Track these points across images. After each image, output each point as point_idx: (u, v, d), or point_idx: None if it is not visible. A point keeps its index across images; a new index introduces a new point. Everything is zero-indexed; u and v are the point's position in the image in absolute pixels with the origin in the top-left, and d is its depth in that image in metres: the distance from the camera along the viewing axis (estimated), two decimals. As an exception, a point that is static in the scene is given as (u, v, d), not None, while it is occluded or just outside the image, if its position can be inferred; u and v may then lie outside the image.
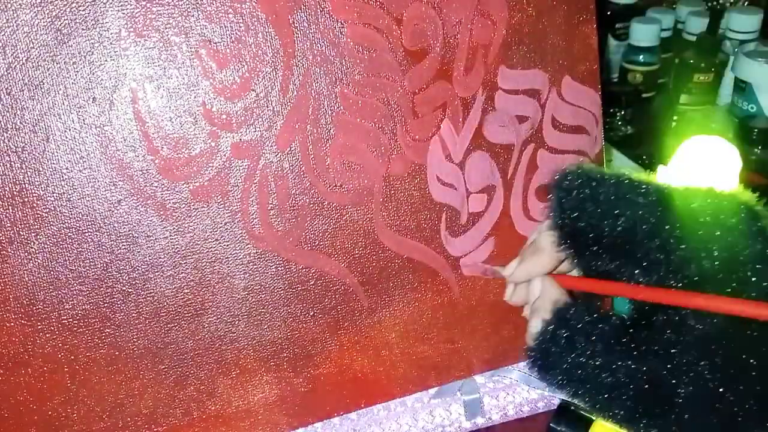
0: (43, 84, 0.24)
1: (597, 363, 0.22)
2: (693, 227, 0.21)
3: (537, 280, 0.26)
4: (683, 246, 0.21)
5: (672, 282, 0.21)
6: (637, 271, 0.22)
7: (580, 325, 0.23)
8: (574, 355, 0.23)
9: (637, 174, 0.23)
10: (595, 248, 0.23)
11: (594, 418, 0.31)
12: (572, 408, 0.32)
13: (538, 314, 0.25)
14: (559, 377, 0.23)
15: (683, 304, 0.21)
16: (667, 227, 0.21)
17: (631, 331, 0.22)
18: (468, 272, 0.32)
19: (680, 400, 0.21)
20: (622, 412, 0.22)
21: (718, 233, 0.21)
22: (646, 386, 0.21)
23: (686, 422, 0.21)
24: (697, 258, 0.21)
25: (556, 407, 0.32)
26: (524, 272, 0.27)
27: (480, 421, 0.34)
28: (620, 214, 0.22)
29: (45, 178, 0.24)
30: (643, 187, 0.22)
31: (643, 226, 0.22)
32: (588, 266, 0.24)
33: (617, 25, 0.64)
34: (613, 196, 0.23)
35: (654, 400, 0.21)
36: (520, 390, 0.34)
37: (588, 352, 0.23)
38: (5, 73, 0.23)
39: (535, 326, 0.25)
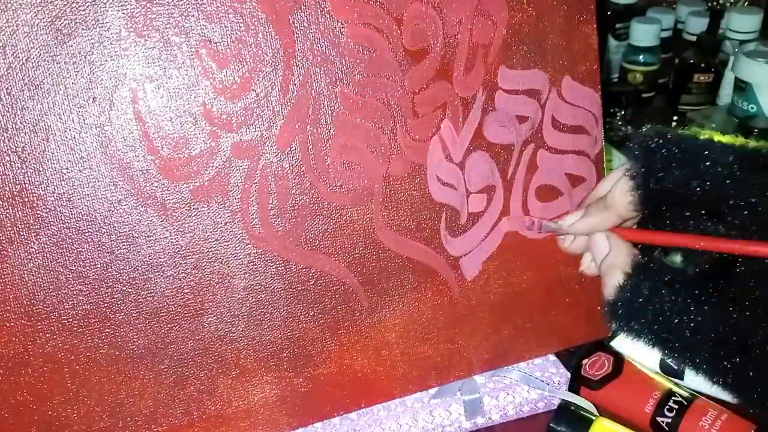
0: (43, 84, 0.24)
1: (679, 313, 0.23)
2: None
3: (602, 236, 0.26)
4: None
5: (755, 236, 0.22)
6: (722, 228, 0.22)
7: (661, 278, 0.23)
8: (657, 305, 0.23)
9: (717, 134, 0.24)
10: (679, 208, 0.23)
11: (594, 418, 0.31)
12: (572, 408, 0.32)
13: (616, 269, 0.25)
14: (642, 328, 0.24)
15: (762, 254, 0.21)
16: (753, 184, 0.22)
17: (709, 282, 0.23)
18: (511, 227, 0.31)
19: (758, 348, 0.21)
20: (702, 359, 0.23)
21: None
22: (726, 334, 0.22)
23: (764, 368, 0.21)
24: None
25: (556, 407, 0.33)
26: (587, 226, 0.27)
27: (480, 421, 0.34)
28: (706, 174, 0.23)
29: (45, 178, 0.24)
30: (727, 147, 0.23)
31: (730, 186, 0.22)
32: (661, 225, 0.24)
33: (617, 25, 0.64)
34: (699, 156, 0.23)
35: (734, 346, 0.22)
36: (520, 390, 0.34)
37: (670, 303, 0.23)
38: (5, 73, 0.23)
39: (615, 280, 0.25)
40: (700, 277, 0.24)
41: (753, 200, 0.22)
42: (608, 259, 0.26)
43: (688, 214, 0.24)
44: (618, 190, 0.25)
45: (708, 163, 0.23)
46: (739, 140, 0.24)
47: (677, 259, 0.26)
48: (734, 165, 0.22)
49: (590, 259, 0.29)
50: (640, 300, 0.24)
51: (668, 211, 0.24)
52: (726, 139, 0.24)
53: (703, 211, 0.23)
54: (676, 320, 0.23)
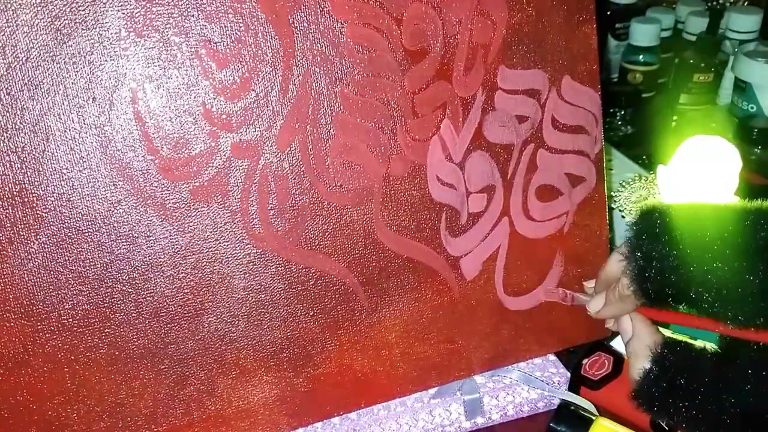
0: (43, 84, 0.24)
1: (697, 400, 0.25)
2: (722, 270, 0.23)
3: (626, 320, 0.29)
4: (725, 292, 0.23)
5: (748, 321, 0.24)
6: (730, 315, 0.24)
7: (677, 370, 0.26)
8: (675, 396, 0.26)
9: (703, 212, 0.25)
10: (675, 303, 0.25)
11: (594, 418, 0.31)
12: (572, 408, 0.32)
13: (637, 359, 0.28)
14: (664, 414, 0.26)
15: (760, 339, 0.24)
16: (708, 275, 0.24)
17: (722, 366, 0.25)
18: (546, 297, 0.33)
19: None
20: None
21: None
22: (746, 418, 0.24)
23: None
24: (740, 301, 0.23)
25: (556, 407, 0.32)
26: (611, 314, 0.29)
27: (480, 421, 0.34)
28: (684, 277, 0.24)
29: (45, 178, 0.24)
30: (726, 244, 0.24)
31: (699, 284, 0.24)
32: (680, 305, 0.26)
33: (617, 25, 0.64)
34: (678, 255, 0.24)
35: (752, 427, 0.24)
36: (520, 390, 0.34)
37: (689, 393, 0.25)
38: (5, 73, 0.23)
39: (636, 372, 0.27)
40: (714, 360, 0.26)
41: (751, 296, 0.23)
42: (630, 345, 0.28)
43: (696, 309, 0.26)
44: (622, 285, 0.27)
45: (704, 268, 0.24)
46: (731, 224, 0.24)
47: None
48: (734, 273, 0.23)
49: (611, 325, 0.31)
50: (660, 390, 0.26)
51: (668, 305, 0.26)
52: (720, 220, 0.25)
53: (708, 305, 0.25)
54: (695, 405, 0.25)
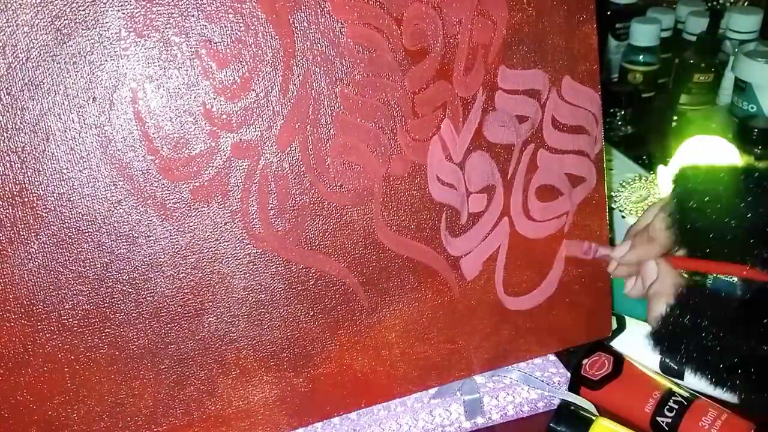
0: (43, 84, 0.24)
1: (717, 342, 0.24)
2: None
3: (652, 263, 0.28)
4: None
5: None
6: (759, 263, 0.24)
7: (702, 309, 0.25)
8: (697, 337, 0.25)
9: (753, 167, 0.25)
10: (718, 244, 0.25)
11: (594, 418, 0.31)
12: (572, 408, 0.32)
13: (660, 298, 0.27)
14: (683, 356, 0.26)
15: None
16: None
17: (749, 312, 0.24)
18: (568, 252, 0.32)
19: None
20: (740, 384, 0.24)
21: None
22: (759, 363, 0.23)
23: None
24: None
25: (556, 407, 0.32)
26: (635, 257, 0.29)
27: (480, 421, 0.34)
28: (733, 216, 0.24)
29: (45, 178, 0.24)
30: (754, 184, 0.24)
31: (750, 224, 0.24)
32: (699, 254, 0.26)
33: (617, 25, 0.64)
34: (728, 197, 0.25)
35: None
36: (520, 390, 0.34)
37: (710, 334, 0.25)
38: (5, 73, 0.23)
39: (658, 309, 0.27)
40: (741, 306, 0.25)
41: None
42: (654, 287, 0.28)
43: (726, 251, 0.25)
44: (657, 226, 0.27)
45: (742, 205, 0.24)
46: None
47: (720, 280, 0.28)
48: (755, 205, 0.24)
49: (633, 284, 0.31)
50: (681, 331, 0.26)
51: (708, 247, 0.26)
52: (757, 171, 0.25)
53: (734, 249, 0.25)
54: (716, 351, 0.25)
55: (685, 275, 0.29)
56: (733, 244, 0.25)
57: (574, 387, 0.35)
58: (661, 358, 0.35)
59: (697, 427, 0.31)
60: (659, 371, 0.36)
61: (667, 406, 0.32)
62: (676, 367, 0.32)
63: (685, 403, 0.32)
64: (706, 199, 0.25)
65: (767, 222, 0.23)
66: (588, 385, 0.35)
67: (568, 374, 0.35)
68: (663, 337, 0.27)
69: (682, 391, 0.33)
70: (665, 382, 0.34)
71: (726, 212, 0.25)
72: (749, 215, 0.24)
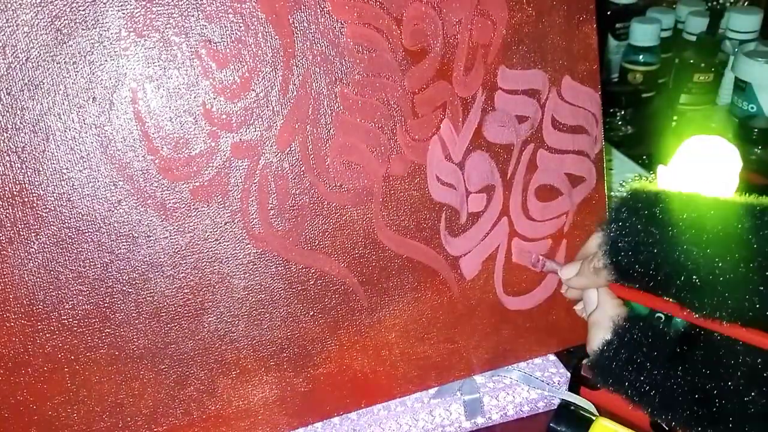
0: (43, 84, 0.24)
1: (653, 377, 0.25)
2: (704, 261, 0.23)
3: (592, 291, 0.29)
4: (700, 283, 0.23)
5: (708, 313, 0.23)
6: (696, 303, 0.24)
7: (638, 344, 0.25)
8: (632, 370, 0.25)
9: (685, 201, 0.25)
10: (645, 282, 0.25)
11: (594, 418, 0.31)
12: (572, 408, 0.32)
13: (598, 329, 0.27)
14: (618, 387, 0.26)
15: (725, 333, 0.23)
16: (687, 264, 0.23)
17: (685, 348, 0.25)
18: (517, 259, 0.32)
19: (729, 417, 0.23)
20: (675, 419, 0.24)
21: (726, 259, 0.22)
22: (698, 401, 0.23)
23: None
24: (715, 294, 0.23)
25: (556, 407, 0.32)
26: (581, 284, 0.29)
27: (480, 421, 0.34)
28: (658, 257, 0.24)
29: (45, 178, 0.24)
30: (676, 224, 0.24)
31: (671, 266, 0.24)
32: (648, 288, 0.26)
33: (617, 25, 0.65)
34: (657, 238, 0.24)
35: (705, 413, 0.23)
36: (520, 390, 0.34)
37: (646, 369, 0.25)
38: (5, 73, 0.23)
39: (596, 342, 0.27)
40: (676, 341, 0.25)
41: (720, 288, 0.23)
42: (594, 315, 0.28)
43: (656, 290, 0.25)
44: (598, 260, 0.27)
45: (676, 251, 0.24)
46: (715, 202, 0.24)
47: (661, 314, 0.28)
48: (702, 247, 0.23)
49: (579, 308, 0.32)
50: (618, 363, 0.26)
51: (638, 284, 0.26)
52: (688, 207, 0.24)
53: (665, 289, 0.25)
54: (651, 384, 0.25)
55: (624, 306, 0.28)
56: (666, 286, 0.24)
57: (574, 387, 0.35)
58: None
59: (697, 427, 0.31)
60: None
61: (667, 406, 0.32)
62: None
63: (685, 403, 0.32)
64: (641, 243, 0.25)
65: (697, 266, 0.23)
66: (588, 385, 0.34)
67: (568, 374, 0.35)
68: (600, 368, 0.27)
69: (681, 391, 0.33)
70: (665, 382, 0.33)
71: (653, 254, 0.24)
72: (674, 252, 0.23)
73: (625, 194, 0.26)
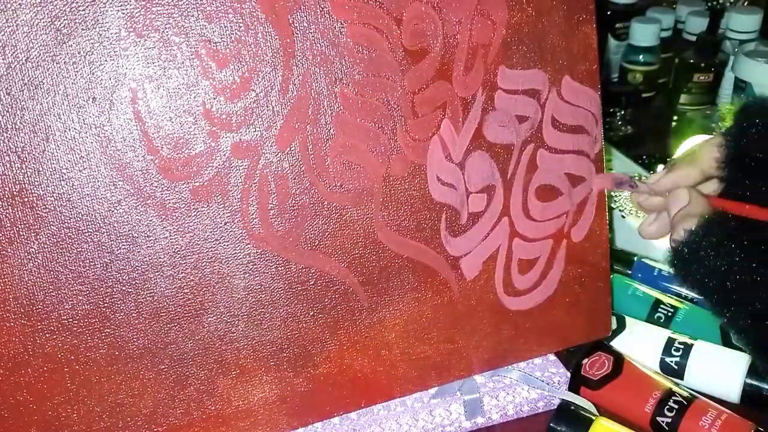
0: (43, 84, 0.24)
1: (739, 269, 0.23)
2: None
3: (684, 190, 0.27)
4: None
5: None
6: None
7: (734, 233, 0.24)
8: (722, 258, 0.23)
9: None
10: (763, 180, 0.24)
11: (594, 418, 0.31)
12: (572, 408, 0.32)
13: (687, 220, 0.25)
14: (700, 275, 0.24)
15: None
16: None
17: None
18: (599, 185, 0.31)
19: None
20: (747, 318, 0.23)
21: None
22: None
23: None
24: None
25: (556, 407, 0.32)
26: (671, 181, 0.27)
27: (480, 421, 0.34)
28: None
29: (45, 178, 0.24)
30: None
31: None
32: (738, 190, 0.25)
33: (617, 25, 0.65)
34: None
35: None
36: (520, 390, 0.34)
37: (735, 258, 0.23)
38: (5, 73, 0.23)
39: (688, 225, 0.25)
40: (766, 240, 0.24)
41: None
42: (685, 209, 0.26)
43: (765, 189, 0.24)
44: (705, 145, 0.26)
45: None
46: None
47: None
48: None
49: (653, 219, 0.30)
50: (707, 247, 0.24)
51: (751, 182, 0.25)
52: None
53: None
54: (736, 276, 0.23)
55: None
56: None
57: (574, 387, 0.35)
58: (662, 358, 0.35)
59: (697, 427, 0.31)
60: (659, 371, 0.36)
61: (667, 406, 0.32)
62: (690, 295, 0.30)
63: (685, 403, 0.32)
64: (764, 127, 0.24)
65: None
66: (588, 385, 0.35)
67: (568, 374, 0.35)
68: (685, 252, 0.25)
69: (682, 391, 0.33)
70: (665, 382, 0.34)
71: None
72: None
73: (749, 99, 0.25)
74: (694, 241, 0.25)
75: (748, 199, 0.25)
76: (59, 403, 0.26)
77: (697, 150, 0.27)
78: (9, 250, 0.24)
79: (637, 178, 0.32)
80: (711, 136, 0.27)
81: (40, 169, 0.24)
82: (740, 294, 0.24)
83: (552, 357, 0.35)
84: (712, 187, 0.28)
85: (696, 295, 0.27)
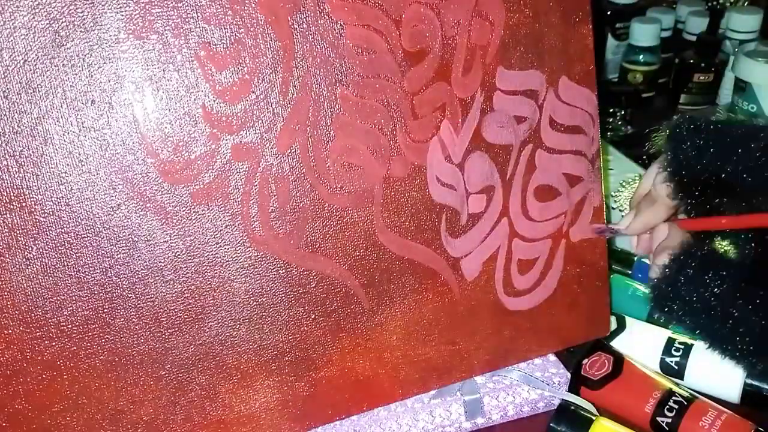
0: (41, 87, 0.23)
1: (718, 299, 0.23)
2: None
3: (663, 225, 0.28)
4: None
5: None
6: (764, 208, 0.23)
7: (708, 261, 0.24)
8: (698, 288, 0.24)
9: (745, 118, 0.24)
10: (717, 194, 0.24)
11: (594, 418, 0.32)
12: (572, 408, 0.32)
13: (666, 250, 0.26)
14: (682, 309, 0.25)
15: None
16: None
17: (754, 274, 0.24)
18: (580, 235, 0.32)
19: None
20: (731, 346, 0.24)
21: None
22: (761, 327, 0.22)
23: None
24: None
25: (556, 407, 0.33)
26: (642, 224, 0.28)
27: (480, 421, 0.34)
28: (737, 159, 0.23)
29: (43, 182, 0.24)
30: (757, 132, 0.23)
31: (751, 175, 0.23)
32: (699, 210, 0.25)
33: (617, 25, 0.65)
34: (729, 141, 0.23)
35: (754, 344, 0.23)
36: (520, 390, 0.34)
37: (712, 287, 0.24)
38: (2, 76, 0.23)
39: (662, 260, 0.26)
40: (745, 267, 0.24)
41: None
42: (663, 243, 0.27)
43: (725, 200, 0.24)
44: (657, 182, 0.27)
45: (739, 149, 0.23)
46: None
47: (725, 243, 0.27)
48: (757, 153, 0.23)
49: (640, 241, 0.31)
50: (683, 280, 0.25)
51: (709, 198, 0.25)
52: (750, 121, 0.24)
53: (742, 199, 0.24)
54: (714, 306, 0.24)
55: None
56: (746, 187, 0.23)
57: (574, 387, 0.35)
58: (662, 358, 0.36)
59: (697, 427, 0.31)
60: (659, 371, 0.36)
61: (667, 406, 0.32)
62: (674, 323, 0.31)
63: (685, 403, 0.32)
64: (704, 147, 0.24)
65: None
66: (588, 385, 0.35)
67: (568, 374, 0.35)
68: (663, 288, 0.26)
69: (682, 391, 0.33)
70: (665, 382, 0.34)
71: (730, 154, 0.23)
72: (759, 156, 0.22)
73: (675, 119, 0.26)
74: (670, 276, 0.26)
75: (711, 213, 0.26)
76: (58, 411, 0.26)
77: (648, 186, 0.28)
78: (7, 255, 0.24)
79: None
80: (656, 170, 0.27)
81: (39, 173, 0.24)
82: (725, 322, 0.24)
83: (552, 357, 0.35)
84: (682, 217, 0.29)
85: (686, 334, 0.28)
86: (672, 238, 0.27)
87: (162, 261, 0.26)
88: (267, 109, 0.26)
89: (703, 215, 0.26)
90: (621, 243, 0.44)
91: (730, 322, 0.24)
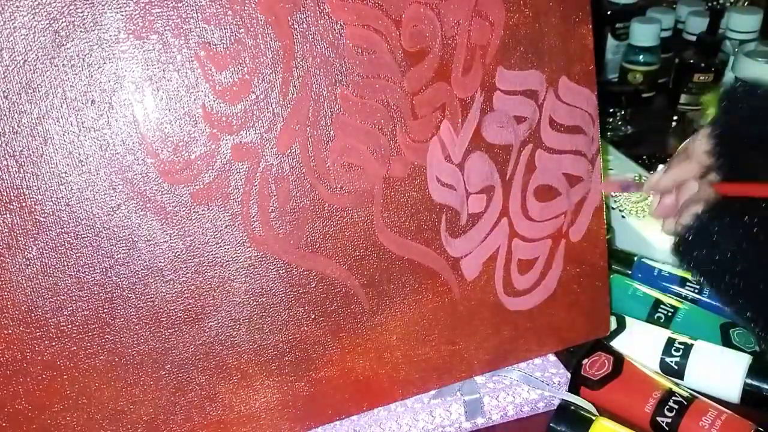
0: (41, 87, 0.23)
1: (742, 255, 0.23)
2: None
3: (692, 181, 0.27)
4: None
5: None
6: None
7: (741, 217, 0.23)
8: (728, 241, 0.23)
9: None
10: (757, 159, 0.23)
11: (594, 418, 0.32)
12: (572, 408, 0.32)
13: (695, 206, 0.25)
14: (705, 259, 0.24)
15: None
16: None
17: None
18: (606, 190, 0.31)
19: None
20: (752, 305, 0.23)
21: None
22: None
23: None
24: None
25: (556, 407, 0.33)
26: (671, 180, 0.27)
27: (480, 421, 0.34)
28: None
29: (43, 182, 0.24)
30: None
31: None
32: (736, 173, 0.24)
33: (617, 25, 0.65)
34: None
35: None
36: (520, 390, 0.34)
37: (742, 241, 0.23)
38: (2, 76, 0.23)
39: (693, 210, 0.25)
40: None
41: None
42: (693, 196, 0.26)
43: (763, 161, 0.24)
44: (697, 138, 0.26)
45: None
46: None
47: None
48: None
49: (662, 202, 0.29)
50: (715, 231, 0.24)
51: (748, 162, 0.24)
52: None
53: None
54: (745, 258, 0.23)
55: None
56: None
57: (574, 387, 0.35)
58: (662, 358, 0.36)
59: (697, 427, 0.31)
60: (659, 371, 0.36)
61: (667, 406, 0.32)
62: (695, 281, 0.30)
63: (685, 403, 0.32)
64: (761, 106, 0.23)
65: None
66: (588, 385, 0.35)
67: (568, 374, 0.35)
68: (691, 236, 0.25)
69: (682, 391, 0.33)
70: (665, 382, 0.34)
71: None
72: None
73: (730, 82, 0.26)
74: (701, 225, 0.25)
75: (748, 180, 0.25)
76: (58, 411, 0.26)
77: (689, 145, 0.27)
78: (7, 255, 0.24)
79: (637, 178, 0.32)
80: (698, 133, 0.27)
81: (39, 173, 0.24)
82: (749, 277, 0.23)
83: (552, 357, 0.35)
84: (713, 178, 0.28)
85: (701, 283, 0.27)
86: (702, 193, 0.26)
87: (162, 261, 0.26)
88: (267, 109, 0.26)
89: (735, 180, 0.25)
90: (621, 243, 0.44)
91: (756, 275, 0.23)
